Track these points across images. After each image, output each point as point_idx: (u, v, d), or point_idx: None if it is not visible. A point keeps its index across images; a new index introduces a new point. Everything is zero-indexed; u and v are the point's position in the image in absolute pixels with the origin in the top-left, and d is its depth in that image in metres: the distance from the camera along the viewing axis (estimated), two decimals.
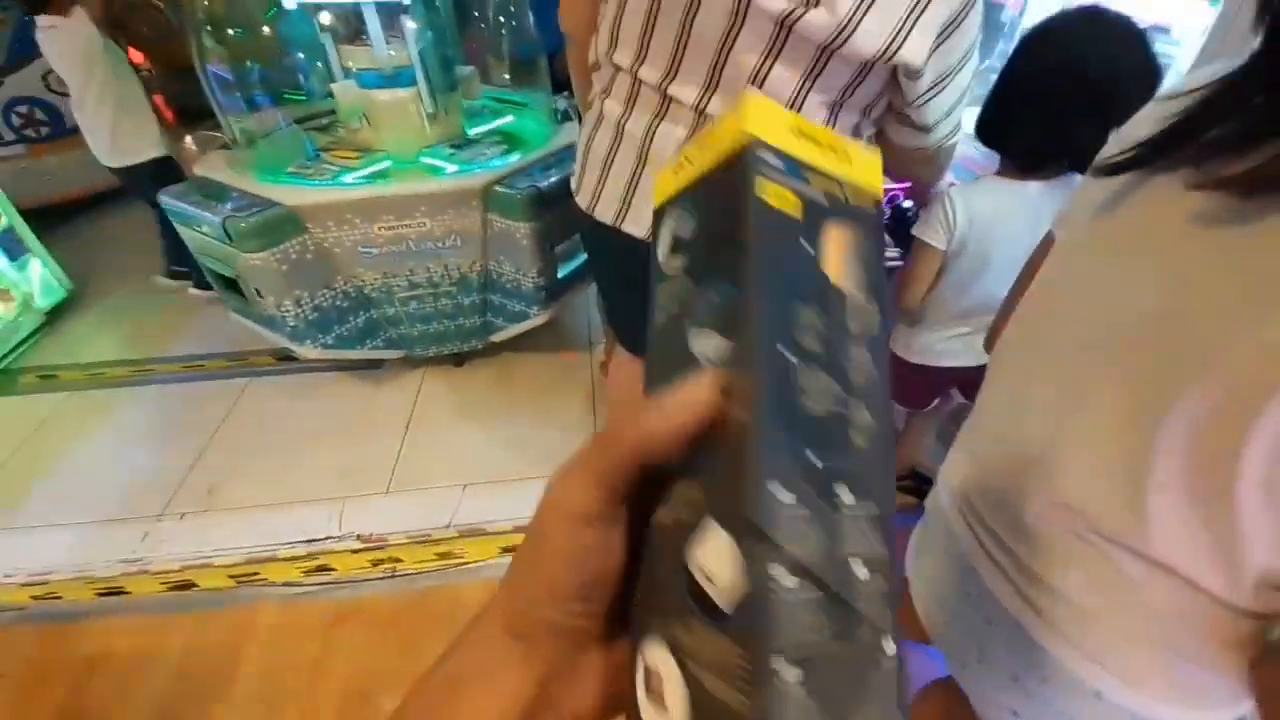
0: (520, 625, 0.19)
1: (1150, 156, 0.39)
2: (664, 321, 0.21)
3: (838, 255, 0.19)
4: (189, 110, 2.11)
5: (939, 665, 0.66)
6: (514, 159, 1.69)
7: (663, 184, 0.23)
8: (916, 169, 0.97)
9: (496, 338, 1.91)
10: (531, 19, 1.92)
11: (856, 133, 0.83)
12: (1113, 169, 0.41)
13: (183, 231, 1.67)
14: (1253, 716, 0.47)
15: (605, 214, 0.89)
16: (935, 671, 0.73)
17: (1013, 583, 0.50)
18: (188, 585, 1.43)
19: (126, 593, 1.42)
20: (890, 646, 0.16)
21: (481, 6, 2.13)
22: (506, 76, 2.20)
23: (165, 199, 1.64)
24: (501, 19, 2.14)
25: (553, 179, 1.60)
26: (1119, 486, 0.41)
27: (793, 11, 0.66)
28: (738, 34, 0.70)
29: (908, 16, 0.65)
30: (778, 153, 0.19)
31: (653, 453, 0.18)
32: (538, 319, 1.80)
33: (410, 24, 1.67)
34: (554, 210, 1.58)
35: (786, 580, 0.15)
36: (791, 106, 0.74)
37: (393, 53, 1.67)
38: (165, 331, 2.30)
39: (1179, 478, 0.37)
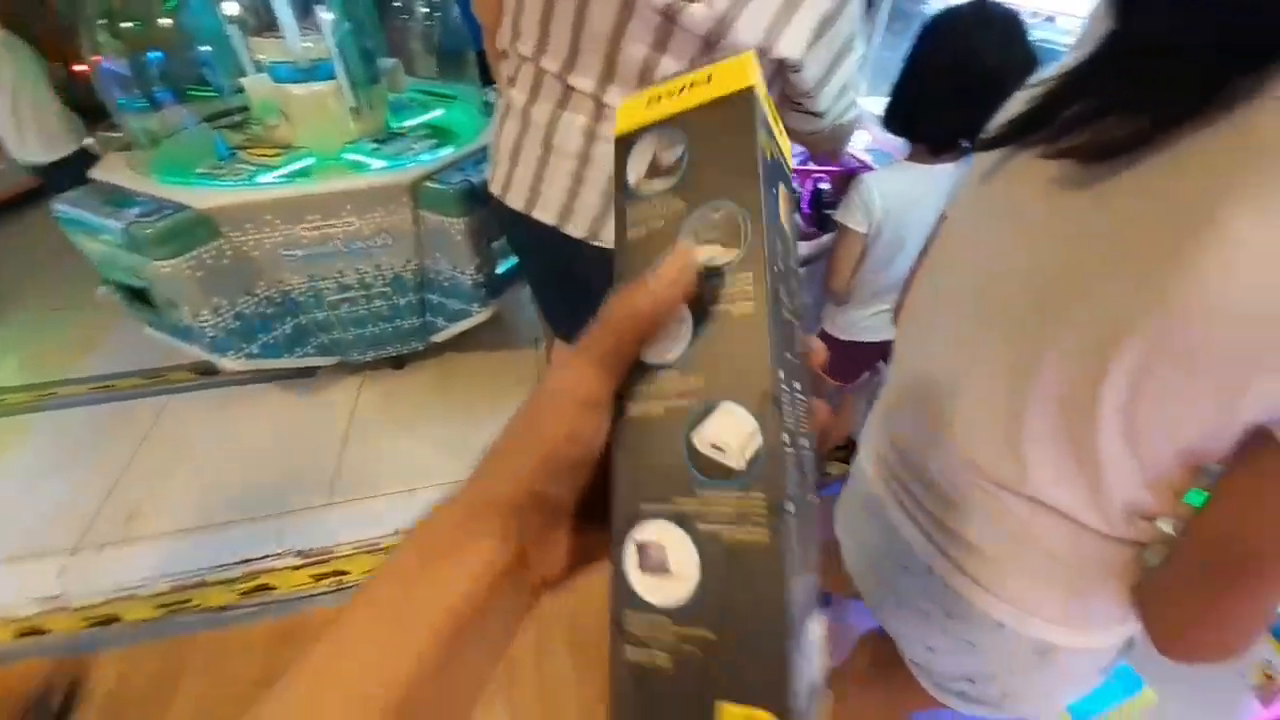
0: (507, 498, 0.21)
1: (1016, 133, 0.42)
2: (641, 235, 0.22)
3: (784, 204, 0.23)
4: (89, 109, 1.95)
5: (871, 619, 0.70)
6: (444, 153, 1.65)
7: (631, 113, 0.24)
8: (817, 148, 1.02)
9: (437, 338, 1.85)
10: (457, 9, 1.88)
11: None
12: (985, 145, 0.45)
13: (81, 243, 1.55)
14: (1141, 636, 0.53)
15: (516, 201, 0.90)
16: (867, 624, 0.78)
17: (921, 529, 0.54)
18: (112, 619, 1.34)
19: (46, 631, 1.32)
20: (815, 499, 0.22)
21: None
22: (436, 69, 2.14)
23: (60, 207, 1.51)
24: (425, 9, 2.08)
25: (485, 172, 1.57)
26: (1002, 437, 0.45)
27: (674, 3, 0.68)
28: (627, 25, 0.72)
29: (782, 11, 0.68)
30: (761, 109, 0.22)
31: (648, 329, 0.20)
32: (479, 316, 1.76)
33: (326, 14, 1.60)
34: (488, 204, 1.55)
35: (785, 443, 0.18)
36: None
37: (308, 44, 1.59)
38: (70, 351, 2.12)
39: (1050, 426, 0.41)
